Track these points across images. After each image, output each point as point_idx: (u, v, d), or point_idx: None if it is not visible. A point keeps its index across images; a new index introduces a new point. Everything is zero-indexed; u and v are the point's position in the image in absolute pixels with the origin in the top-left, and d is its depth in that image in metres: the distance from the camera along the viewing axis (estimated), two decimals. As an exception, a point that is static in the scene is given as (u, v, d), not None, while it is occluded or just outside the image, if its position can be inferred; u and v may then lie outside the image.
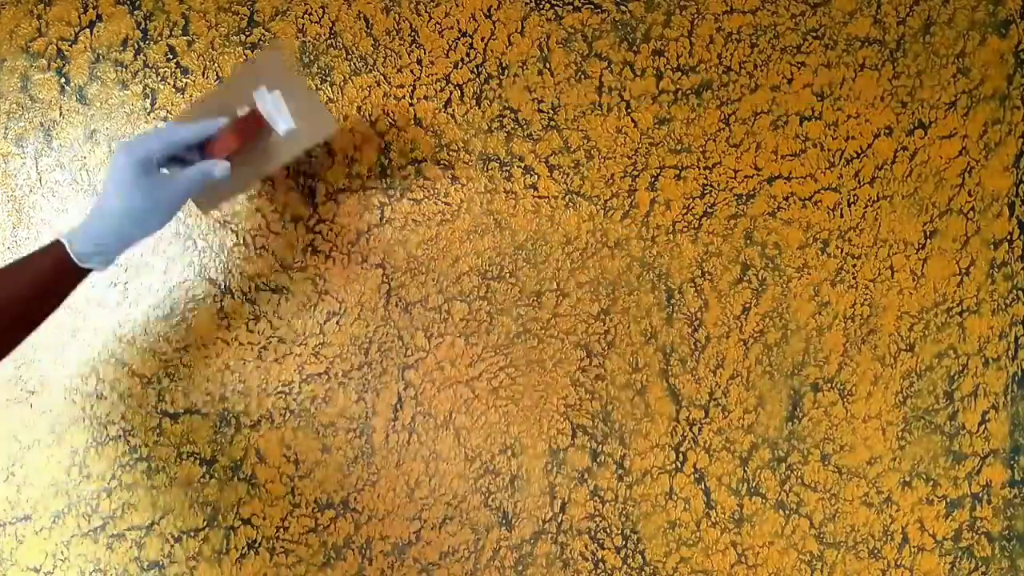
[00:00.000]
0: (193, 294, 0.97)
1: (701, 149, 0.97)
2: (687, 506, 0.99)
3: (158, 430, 0.97)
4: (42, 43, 0.96)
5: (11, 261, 0.77)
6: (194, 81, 0.96)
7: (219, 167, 0.82)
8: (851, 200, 0.98)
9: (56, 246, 0.77)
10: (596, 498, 0.99)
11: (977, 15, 0.97)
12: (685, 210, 0.98)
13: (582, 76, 0.96)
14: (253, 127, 0.85)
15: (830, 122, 0.98)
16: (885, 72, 0.97)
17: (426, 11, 0.96)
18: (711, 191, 0.97)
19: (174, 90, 0.96)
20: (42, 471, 0.97)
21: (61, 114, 0.96)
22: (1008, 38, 0.98)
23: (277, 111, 0.85)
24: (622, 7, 0.96)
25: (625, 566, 0.99)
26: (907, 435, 0.99)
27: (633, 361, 0.98)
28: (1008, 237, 0.99)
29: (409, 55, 0.96)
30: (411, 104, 0.96)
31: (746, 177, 0.98)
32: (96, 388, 0.97)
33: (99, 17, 0.96)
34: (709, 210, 0.98)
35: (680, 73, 0.97)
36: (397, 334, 0.97)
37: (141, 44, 0.96)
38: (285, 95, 0.85)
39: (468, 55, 0.96)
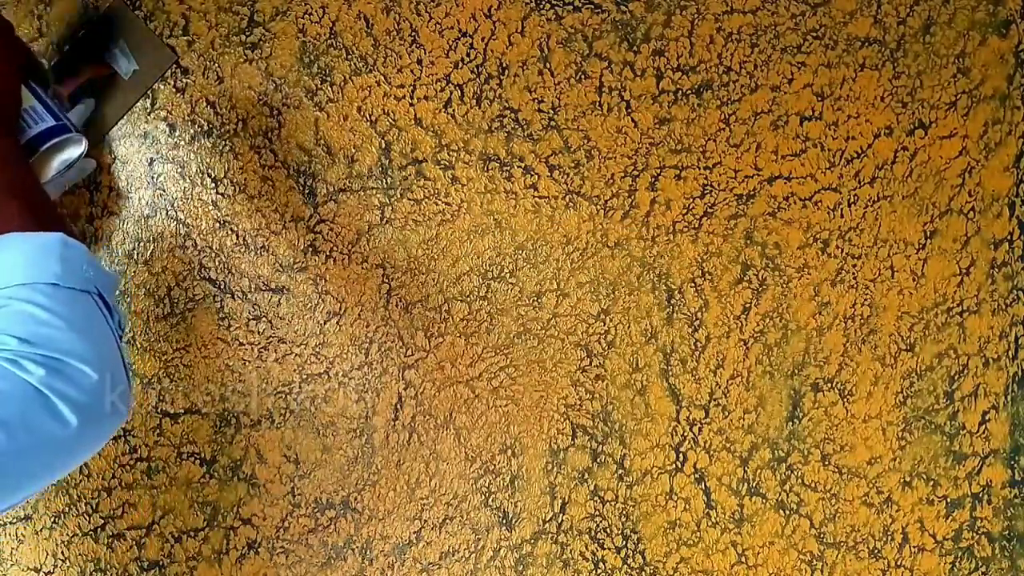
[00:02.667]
0: (193, 294, 0.97)
1: (701, 149, 0.97)
2: (687, 506, 0.99)
3: (158, 430, 0.97)
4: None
5: None
6: (194, 81, 0.96)
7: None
8: (851, 200, 0.98)
9: None
10: (596, 498, 0.99)
11: (977, 15, 0.97)
12: (685, 210, 0.98)
13: (582, 76, 0.96)
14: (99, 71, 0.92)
15: (830, 122, 0.98)
16: (885, 72, 0.97)
17: (426, 11, 0.96)
18: (711, 191, 0.97)
19: (174, 90, 0.96)
20: (42, 471, 0.97)
21: (61, 114, 0.96)
22: (1008, 38, 0.98)
23: (124, 58, 0.91)
24: (622, 7, 0.96)
25: (625, 566, 0.99)
26: (907, 435, 0.99)
27: (633, 361, 0.98)
28: (1008, 237, 0.99)
29: (409, 55, 0.96)
30: (411, 104, 0.96)
31: (746, 177, 0.98)
32: (96, 388, 0.97)
33: (99, 17, 0.96)
34: (709, 210, 0.98)
35: (680, 73, 0.97)
36: (397, 334, 0.97)
37: (141, 44, 0.96)
38: (128, 42, 0.91)
39: (468, 55, 0.96)
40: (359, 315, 0.97)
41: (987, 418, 0.99)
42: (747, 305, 0.98)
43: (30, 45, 0.87)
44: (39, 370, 0.59)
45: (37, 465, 0.60)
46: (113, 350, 0.65)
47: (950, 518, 0.99)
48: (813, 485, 0.99)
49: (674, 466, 0.99)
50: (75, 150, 0.80)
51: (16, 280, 0.62)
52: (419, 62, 0.96)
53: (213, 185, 0.96)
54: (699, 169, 0.97)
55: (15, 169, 0.69)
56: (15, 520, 0.98)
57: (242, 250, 0.97)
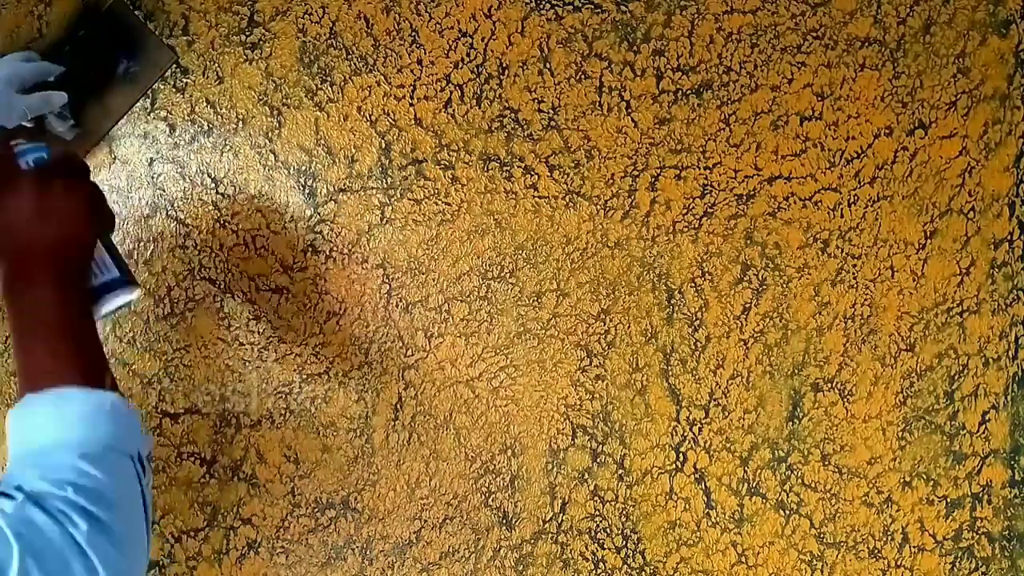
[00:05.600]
0: (193, 294, 0.97)
1: (701, 149, 0.97)
2: (687, 506, 0.99)
3: (158, 430, 0.97)
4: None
5: None
6: (194, 81, 0.96)
7: (57, 95, 0.89)
8: (851, 200, 0.98)
9: None
10: (596, 498, 0.99)
11: (977, 15, 0.97)
12: (685, 210, 0.98)
13: (582, 76, 0.96)
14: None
15: (830, 122, 0.98)
16: (885, 72, 0.97)
17: (426, 11, 0.96)
18: (711, 191, 0.97)
19: (174, 90, 0.96)
20: (42, 471, 0.97)
21: (61, 114, 0.96)
22: (1008, 38, 0.98)
23: (124, 58, 0.92)
24: (622, 7, 0.96)
25: (625, 566, 0.99)
26: (907, 435, 0.99)
27: (633, 361, 0.98)
28: (1008, 237, 0.99)
29: (409, 55, 0.96)
30: (411, 104, 0.96)
31: (746, 177, 0.98)
32: (96, 388, 0.97)
33: (99, 17, 0.96)
34: (709, 210, 0.98)
35: (680, 73, 0.97)
36: (397, 334, 0.97)
37: (141, 44, 0.96)
38: (128, 41, 0.92)
39: (468, 55, 0.96)
40: (359, 315, 0.97)
41: (987, 418, 0.99)
42: (747, 305, 0.98)
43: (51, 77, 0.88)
44: (84, 525, 0.62)
45: None
46: (141, 519, 0.68)
47: (950, 518, 0.99)
48: (813, 485, 0.99)
49: (674, 466, 0.99)
50: (130, 296, 0.83)
51: (72, 436, 0.65)
52: (419, 62, 0.96)
53: (213, 185, 0.96)
54: (699, 169, 0.97)
55: (82, 324, 0.73)
56: (15, 520, 0.98)
57: (242, 250, 0.97)
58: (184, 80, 0.96)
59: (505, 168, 0.97)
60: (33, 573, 0.59)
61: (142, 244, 0.97)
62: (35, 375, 0.68)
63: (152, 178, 0.96)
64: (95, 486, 0.63)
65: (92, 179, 0.78)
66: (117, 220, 0.96)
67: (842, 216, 0.98)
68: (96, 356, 0.73)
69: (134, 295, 0.83)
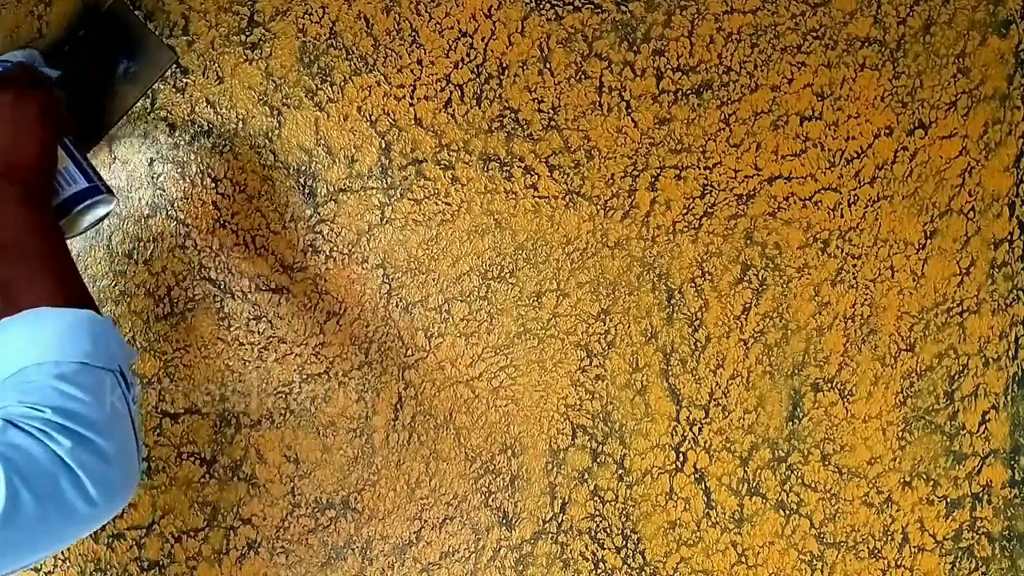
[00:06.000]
0: (193, 294, 0.97)
1: (701, 149, 0.97)
2: (687, 506, 0.99)
3: (158, 430, 0.97)
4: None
5: None
6: (194, 81, 0.96)
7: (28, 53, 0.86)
8: (851, 200, 0.98)
9: None
10: (596, 498, 0.99)
11: (977, 15, 0.97)
12: (685, 210, 0.98)
13: (582, 76, 0.97)
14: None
15: (830, 122, 0.98)
16: (885, 72, 0.97)
17: (426, 11, 0.96)
18: (711, 191, 0.97)
19: (174, 90, 0.96)
20: (42, 471, 0.97)
21: (61, 114, 0.96)
22: (1008, 38, 0.98)
23: (124, 58, 0.91)
24: (622, 7, 0.96)
25: (625, 566, 0.99)
26: (907, 435, 0.99)
27: (633, 361, 0.98)
28: (1008, 237, 0.99)
29: (409, 55, 0.96)
30: (411, 104, 0.96)
31: (746, 177, 0.98)
32: (96, 388, 0.97)
33: (99, 17, 0.96)
34: (709, 210, 0.98)
35: (680, 73, 0.97)
36: (397, 334, 0.97)
37: (141, 44, 0.96)
38: (128, 41, 0.91)
39: (468, 55, 0.96)
40: (359, 315, 0.97)
41: (987, 418, 0.99)
42: (747, 305, 0.98)
43: (52, 77, 0.86)
44: (67, 442, 0.61)
45: (53, 533, 0.63)
46: (129, 432, 0.68)
47: (950, 518, 0.99)
48: (813, 485, 0.99)
49: (674, 466, 0.99)
50: (104, 208, 0.80)
51: (48, 357, 0.65)
52: (419, 62, 0.96)
53: (213, 185, 0.96)
54: (699, 169, 0.97)
55: (50, 241, 0.72)
56: (15, 520, 0.98)
57: (242, 250, 0.97)
58: (184, 80, 0.96)
59: (505, 168, 0.97)
60: (22, 493, 0.58)
61: (142, 244, 0.97)
62: (6, 298, 0.67)
63: (152, 178, 0.96)
64: (74, 405, 0.63)
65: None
66: (117, 220, 0.96)
67: (842, 216, 0.98)
68: (68, 272, 0.71)
69: (109, 206, 0.80)
